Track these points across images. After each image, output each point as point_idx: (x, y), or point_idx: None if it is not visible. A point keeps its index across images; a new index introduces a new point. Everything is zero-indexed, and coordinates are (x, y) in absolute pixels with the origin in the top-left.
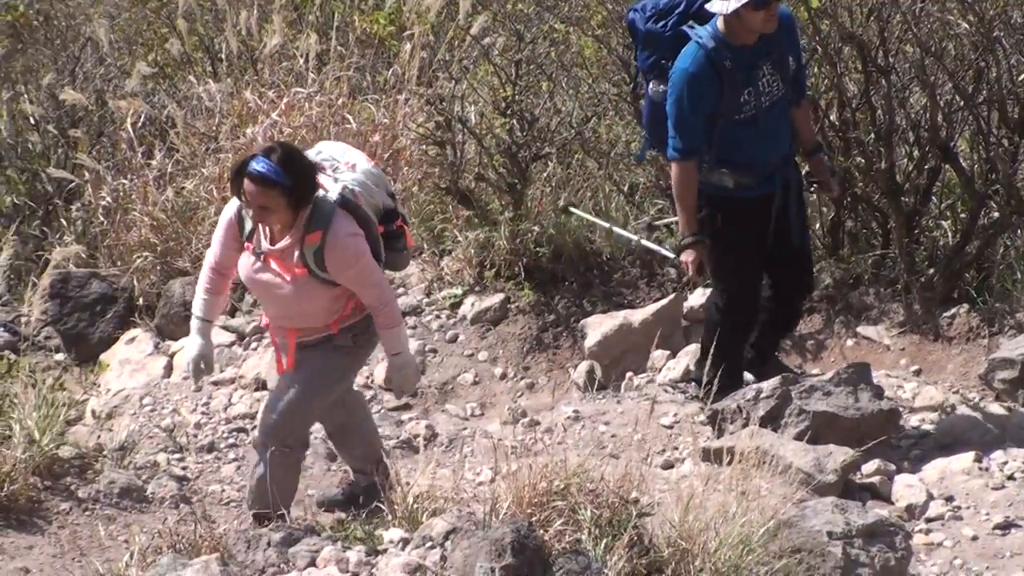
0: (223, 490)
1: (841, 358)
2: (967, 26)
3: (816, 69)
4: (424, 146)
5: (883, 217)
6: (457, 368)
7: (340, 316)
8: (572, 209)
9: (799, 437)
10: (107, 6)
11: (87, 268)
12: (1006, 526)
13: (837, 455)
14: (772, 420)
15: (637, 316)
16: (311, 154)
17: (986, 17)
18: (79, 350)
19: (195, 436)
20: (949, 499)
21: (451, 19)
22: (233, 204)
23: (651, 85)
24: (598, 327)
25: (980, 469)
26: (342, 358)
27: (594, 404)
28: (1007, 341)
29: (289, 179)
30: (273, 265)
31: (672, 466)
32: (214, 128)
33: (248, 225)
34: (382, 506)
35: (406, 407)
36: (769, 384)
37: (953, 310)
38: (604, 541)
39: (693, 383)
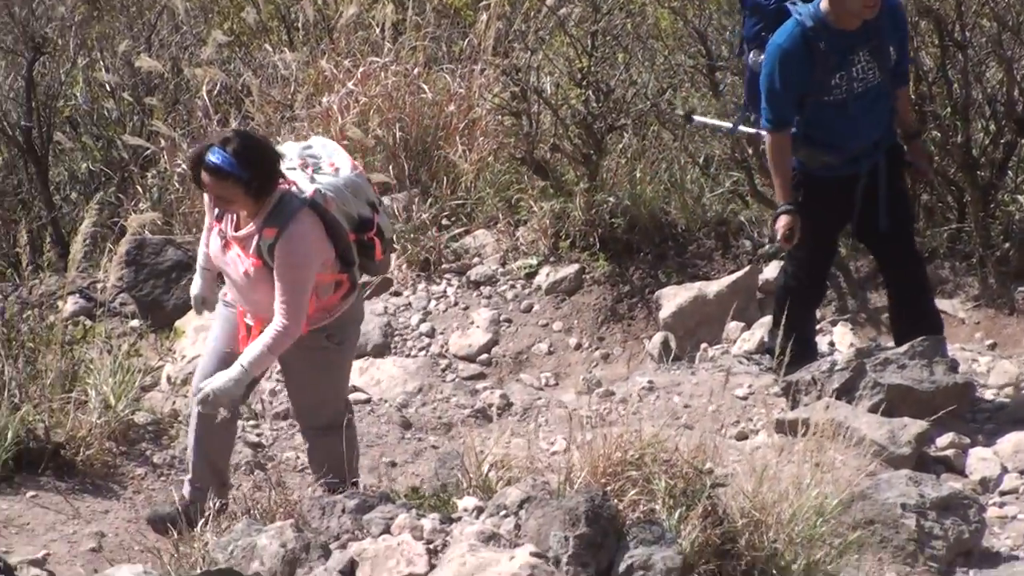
0: (297, 457)
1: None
2: None
3: None
4: (500, 116)
5: (959, 191)
6: (532, 338)
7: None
8: (695, 117)
9: (873, 409)
10: None
11: (162, 235)
12: None
13: (911, 428)
14: (846, 392)
15: (712, 287)
16: (297, 148)
17: None
18: (154, 317)
19: (270, 403)
20: (1023, 472)
21: None
22: None
23: (751, 54)
24: (673, 298)
25: None
26: (329, 356)
27: (668, 375)
28: None
29: (244, 171)
30: (234, 250)
31: (746, 437)
32: (290, 97)
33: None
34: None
35: (480, 376)
36: (843, 356)
37: None
38: (678, 511)
39: (767, 354)
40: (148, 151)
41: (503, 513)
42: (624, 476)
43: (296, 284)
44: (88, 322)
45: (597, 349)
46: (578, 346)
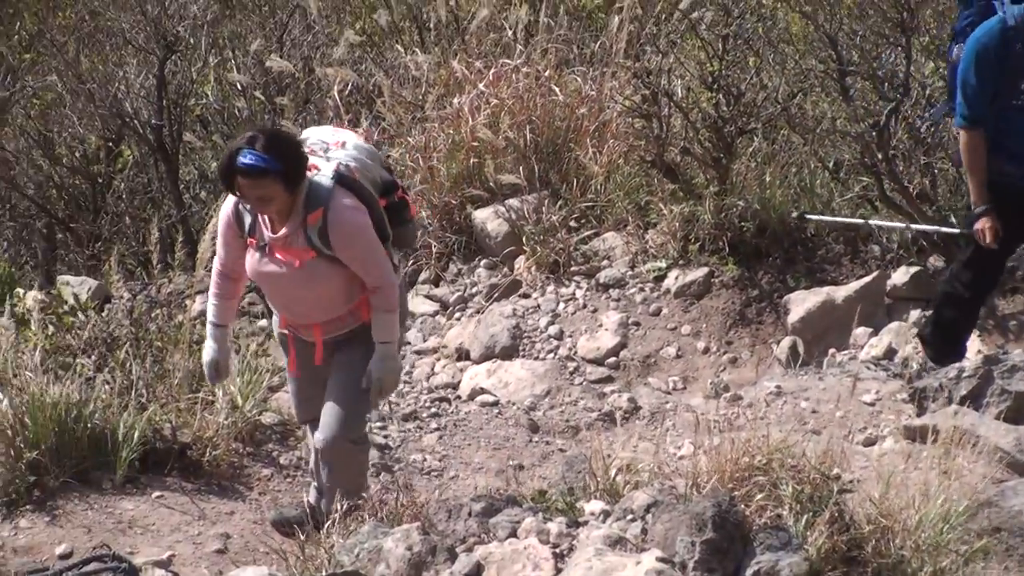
0: (424, 459)
1: None
2: None
3: None
4: (630, 119)
5: None
6: (660, 341)
7: (363, 299)
8: (808, 216)
9: (1000, 417)
10: None
11: None
12: None
13: None
14: (974, 399)
15: (840, 292)
16: None
17: None
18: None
19: (397, 405)
20: None
21: None
22: (228, 202)
23: (956, 48)
24: (801, 303)
25: None
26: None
27: (796, 380)
28: None
29: (279, 163)
30: (278, 254)
31: (873, 443)
32: (420, 97)
33: (247, 219)
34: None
35: (608, 379)
36: (971, 363)
37: None
38: (805, 517)
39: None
40: None
41: (630, 517)
42: (751, 481)
43: (368, 248)
44: None
45: (725, 353)
46: (706, 350)
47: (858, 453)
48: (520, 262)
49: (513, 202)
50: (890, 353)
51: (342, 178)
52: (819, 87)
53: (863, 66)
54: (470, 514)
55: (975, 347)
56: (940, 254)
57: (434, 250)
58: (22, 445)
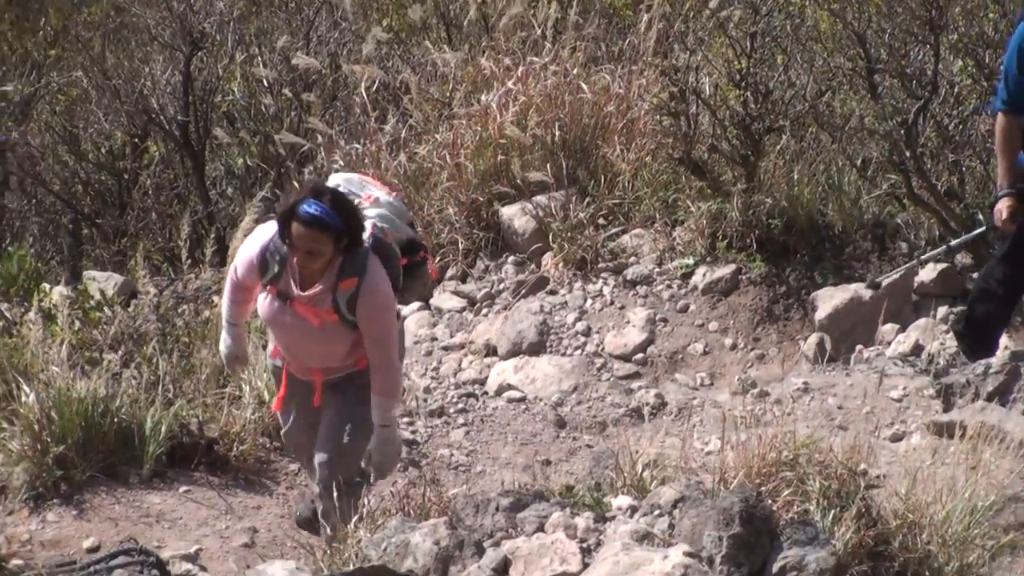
0: (452, 454)
1: None
2: None
3: None
4: (658, 117)
5: None
6: (687, 338)
7: (364, 356)
8: (880, 280)
9: None
10: None
11: None
12: None
13: None
14: (1001, 395)
15: (868, 290)
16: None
17: None
18: None
19: (424, 400)
20: None
21: None
22: (255, 244)
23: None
24: (829, 300)
25: None
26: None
27: (823, 376)
28: None
29: (342, 223)
30: (299, 311)
31: (900, 439)
32: (448, 94)
33: (273, 268)
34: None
35: (636, 375)
36: (998, 359)
37: None
38: (832, 512)
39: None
40: (305, 147)
41: (657, 512)
42: (778, 477)
43: (387, 327)
44: None
45: (752, 350)
46: (734, 346)
47: (885, 449)
48: (547, 259)
49: (540, 199)
50: (917, 349)
51: (377, 244)
52: (847, 85)
53: (891, 64)
54: (497, 509)
55: (1002, 343)
56: (967, 251)
57: (461, 247)
58: (49, 440)
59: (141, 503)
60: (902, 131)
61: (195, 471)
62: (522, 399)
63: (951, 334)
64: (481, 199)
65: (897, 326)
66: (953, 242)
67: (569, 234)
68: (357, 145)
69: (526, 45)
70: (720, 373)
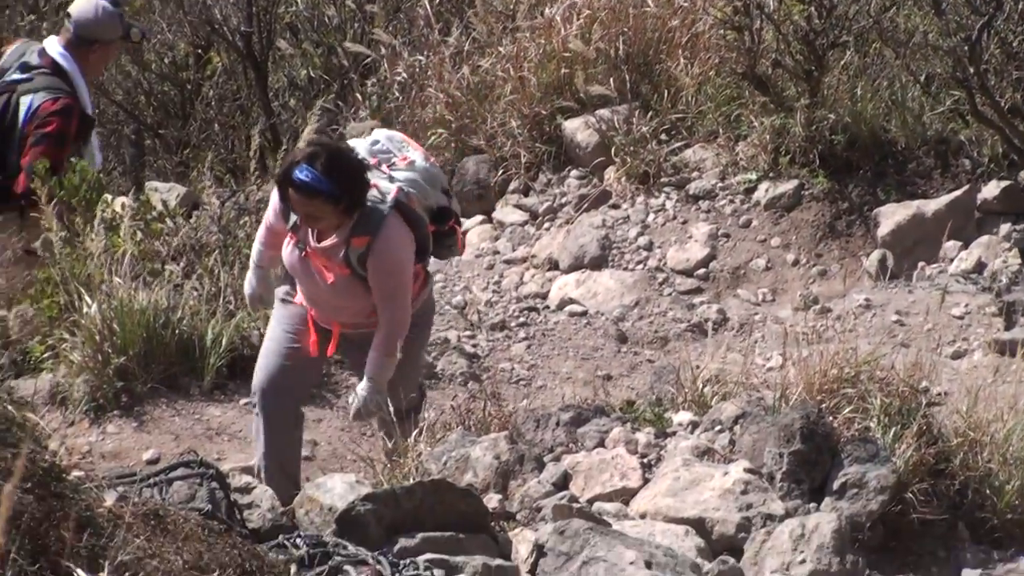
0: (513, 368)
1: None
2: None
3: None
4: (722, 31)
5: None
6: (749, 253)
7: None
8: None
9: None
10: None
11: None
12: None
13: None
14: None
15: (931, 206)
16: (365, 145)
17: None
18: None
19: (486, 314)
20: None
21: None
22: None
23: None
24: (891, 216)
25: None
26: (404, 347)
27: (885, 293)
28: None
29: (335, 188)
30: (316, 260)
31: (962, 356)
32: (512, 7)
33: (292, 217)
34: None
35: (697, 291)
36: None
37: None
38: (893, 429)
39: None
40: (368, 59)
41: (718, 428)
42: (839, 393)
43: (398, 288)
44: None
45: (814, 266)
46: (795, 262)
47: (946, 366)
48: (610, 173)
49: (603, 113)
50: (979, 267)
51: (400, 206)
52: (911, 0)
53: None
54: (558, 424)
55: None
56: None
57: (523, 160)
58: (110, 351)
59: (201, 415)
60: (966, 47)
61: None
62: (583, 313)
63: (1014, 251)
64: (544, 112)
65: (960, 243)
66: None
67: (632, 148)
68: (420, 57)
69: None
70: (782, 289)
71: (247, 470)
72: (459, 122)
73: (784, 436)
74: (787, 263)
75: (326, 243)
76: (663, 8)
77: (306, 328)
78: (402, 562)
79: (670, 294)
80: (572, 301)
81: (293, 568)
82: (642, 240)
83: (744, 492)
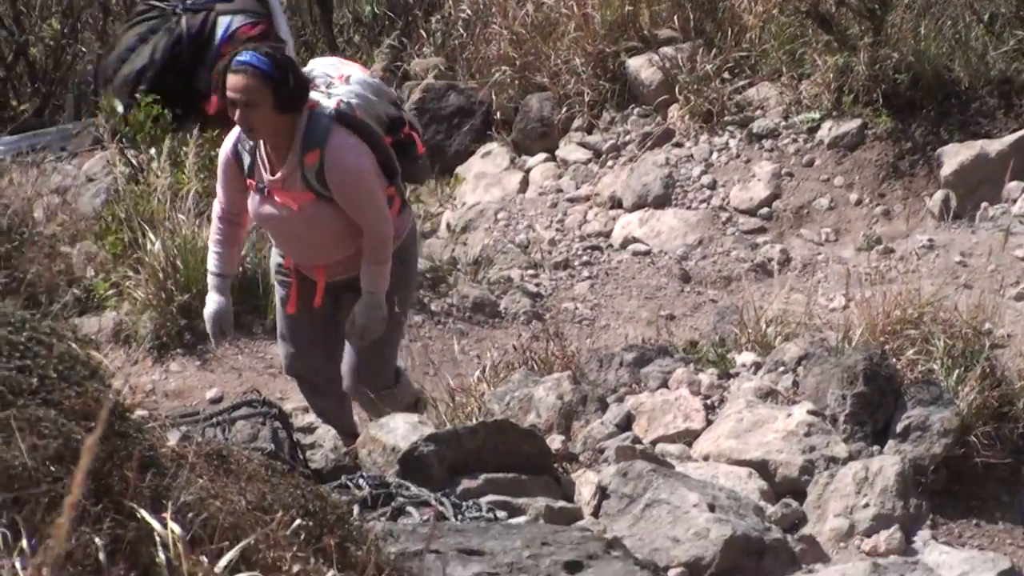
0: (576, 308)
1: None
2: None
3: None
4: None
5: None
6: (812, 192)
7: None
8: None
9: None
10: None
11: (445, 80)
12: None
13: None
14: None
15: (994, 146)
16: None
17: None
18: (435, 162)
19: (549, 252)
20: None
21: None
22: (228, 141)
23: None
24: (955, 156)
25: None
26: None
27: (948, 233)
28: None
29: (276, 71)
30: (278, 197)
31: None
32: None
33: (246, 159)
34: None
35: (761, 230)
36: None
37: None
38: (956, 372)
39: None
40: None
41: (781, 369)
42: (902, 335)
43: (367, 196)
44: None
45: (878, 205)
46: (859, 202)
47: (1010, 308)
48: (673, 111)
49: (667, 50)
50: None
51: (342, 116)
52: None
53: None
54: (621, 364)
55: None
56: None
57: (587, 98)
58: (174, 288)
59: (264, 354)
60: None
61: None
62: (647, 252)
63: None
64: (608, 50)
65: (1023, 184)
66: None
67: (695, 86)
68: None
69: None
70: (845, 229)
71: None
72: (523, 59)
73: (847, 378)
74: (850, 203)
75: (281, 172)
76: None
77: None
78: (464, 503)
79: (733, 233)
80: (635, 240)
81: (356, 509)
82: (705, 179)
83: (807, 434)
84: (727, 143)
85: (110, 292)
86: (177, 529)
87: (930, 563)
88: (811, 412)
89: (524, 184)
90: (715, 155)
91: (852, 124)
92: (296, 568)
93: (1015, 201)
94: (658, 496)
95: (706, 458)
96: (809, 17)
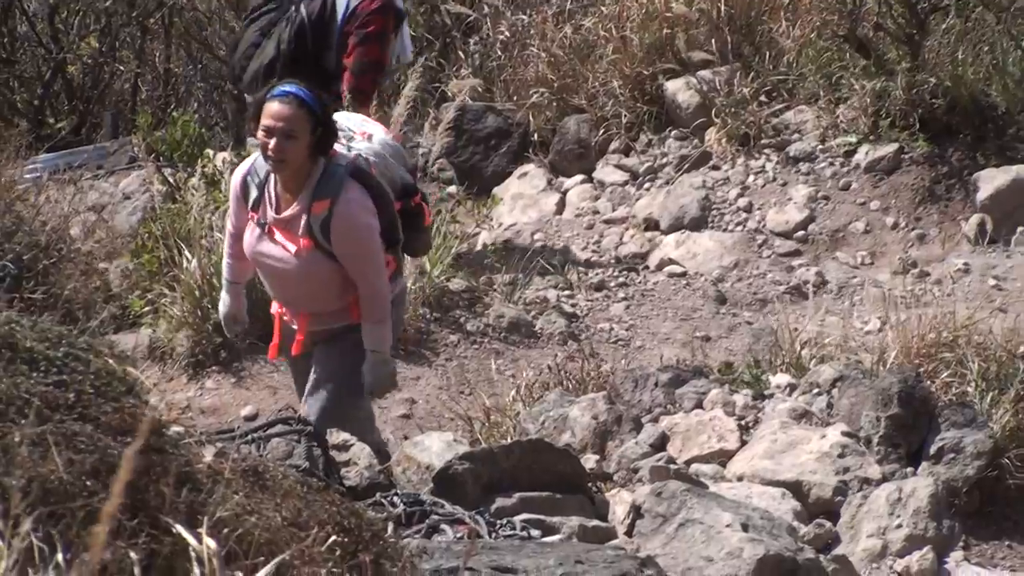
0: (611, 328)
1: None
2: None
3: None
4: None
5: None
6: (848, 216)
7: (354, 299)
8: None
9: None
10: None
11: (482, 102)
12: None
13: None
14: None
15: None
16: None
17: None
18: (472, 183)
19: (585, 273)
20: None
21: None
22: (239, 171)
23: None
24: (991, 181)
25: None
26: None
27: (984, 257)
28: None
29: (320, 108)
30: (278, 236)
31: None
32: None
33: (253, 193)
34: None
35: (796, 253)
36: None
37: None
38: (990, 395)
39: None
40: (471, 18)
41: (815, 391)
42: (937, 358)
43: (367, 253)
44: None
45: (913, 229)
46: (895, 225)
47: None
48: (711, 134)
49: (705, 74)
50: None
51: (358, 171)
52: None
53: None
54: (656, 384)
55: None
56: None
57: (624, 120)
58: (210, 306)
59: None
60: None
61: None
62: (683, 274)
63: None
64: (645, 73)
65: None
66: None
67: (733, 109)
68: (523, 16)
69: None
70: (881, 252)
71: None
72: (561, 81)
73: (881, 400)
74: (886, 226)
75: (287, 213)
76: None
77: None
78: (499, 521)
79: (769, 256)
80: (671, 261)
81: (390, 526)
82: (742, 201)
83: (841, 455)
84: (764, 166)
85: (146, 309)
86: (212, 545)
87: None
88: (845, 434)
89: (561, 205)
90: (751, 178)
91: (889, 148)
92: None
93: None
94: (692, 516)
95: (740, 478)
96: (847, 41)
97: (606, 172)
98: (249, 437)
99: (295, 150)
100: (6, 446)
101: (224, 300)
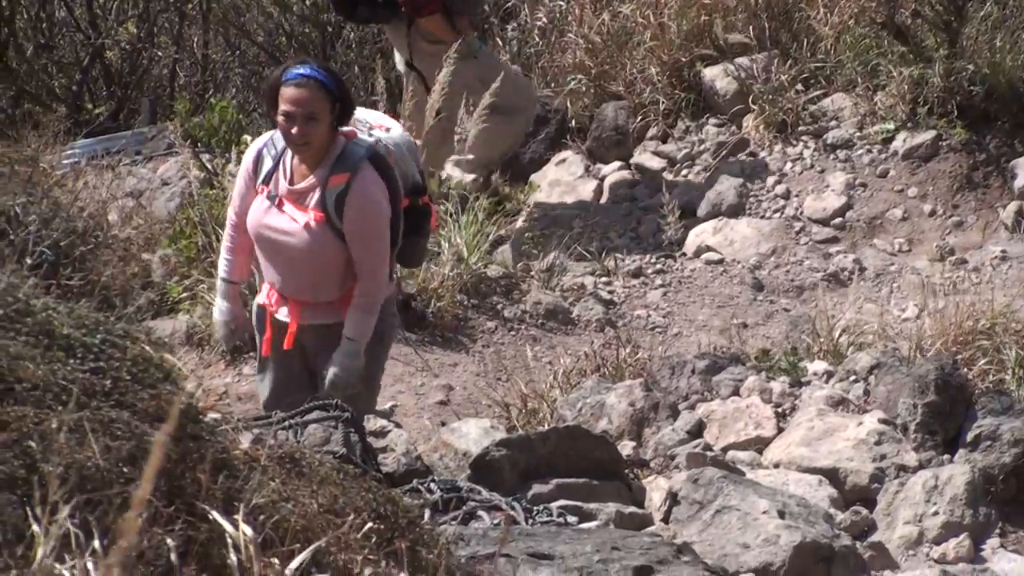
0: (649, 315)
1: None
2: None
3: None
4: None
5: None
6: (886, 203)
7: (349, 293)
8: None
9: None
10: None
11: None
12: None
13: None
14: None
15: None
16: None
17: None
18: (509, 170)
19: (623, 260)
20: None
21: None
22: (253, 146)
23: None
24: None
25: None
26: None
27: (1021, 245)
28: None
29: (337, 87)
30: (287, 207)
31: None
32: None
33: (267, 165)
34: None
35: (834, 240)
36: None
37: None
38: None
39: None
40: (509, 3)
41: (852, 378)
42: (974, 345)
43: (376, 234)
44: (442, 174)
45: (951, 217)
46: (932, 213)
47: None
48: (748, 121)
49: (742, 60)
50: None
51: (377, 156)
52: None
53: None
54: (693, 371)
55: None
56: None
57: (662, 107)
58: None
59: None
60: None
61: None
62: (720, 261)
63: None
64: (683, 59)
65: None
66: None
67: (770, 96)
68: (560, 2)
69: None
70: (918, 239)
71: (382, 413)
72: (598, 68)
73: (919, 387)
74: (923, 214)
75: (301, 185)
76: None
77: (268, 329)
78: (535, 508)
79: (806, 243)
80: (709, 248)
81: (427, 512)
82: (779, 188)
83: (878, 443)
84: (801, 153)
85: (183, 296)
86: (249, 531)
87: (998, 571)
88: (882, 421)
89: (599, 192)
90: (789, 165)
91: (926, 135)
92: (367, 571)
93: None
94: (728, 502)
95: (776, 465)
96: (885, 29)
97: (644, 159)
98: (286, 424)
99: (318, 132)
100: (44, 433)
101: (220, 306)
